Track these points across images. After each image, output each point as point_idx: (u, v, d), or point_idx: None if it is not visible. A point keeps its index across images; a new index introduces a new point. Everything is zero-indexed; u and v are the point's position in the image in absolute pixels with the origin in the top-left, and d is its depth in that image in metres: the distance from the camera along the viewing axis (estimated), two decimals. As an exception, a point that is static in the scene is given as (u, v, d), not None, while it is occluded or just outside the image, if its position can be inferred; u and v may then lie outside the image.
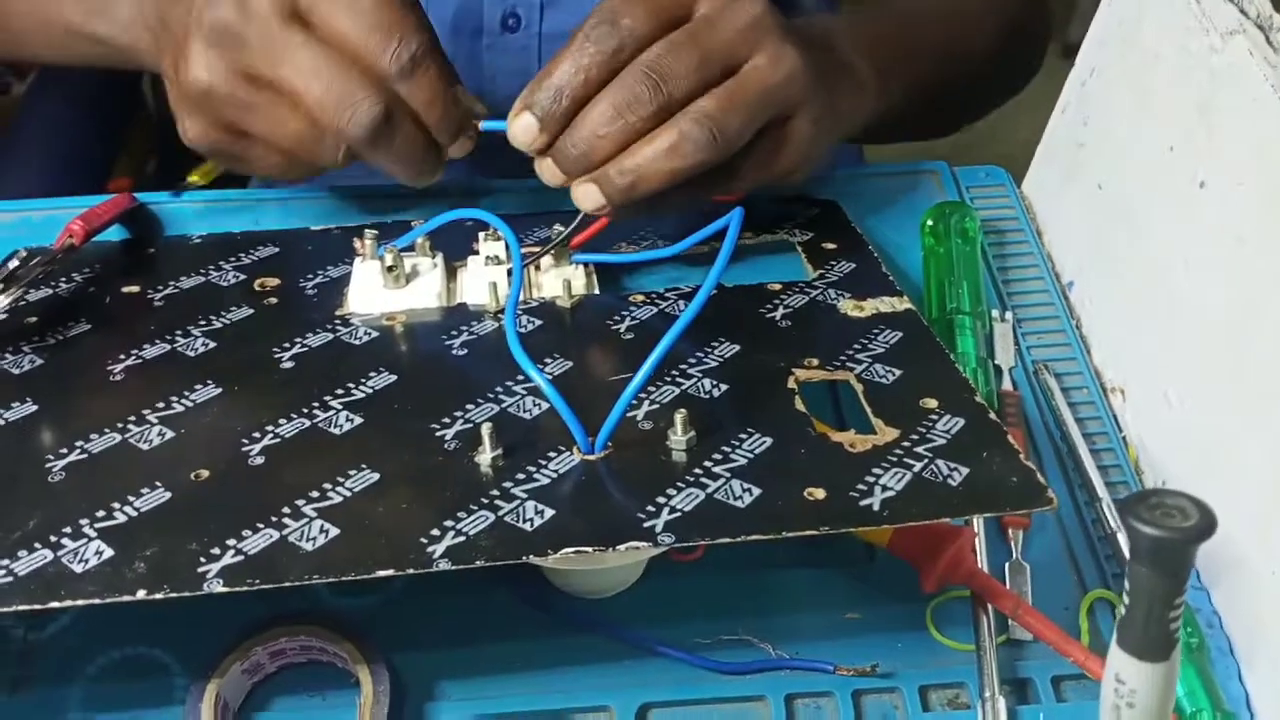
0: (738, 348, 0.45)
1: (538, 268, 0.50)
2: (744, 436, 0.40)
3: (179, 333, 0.46)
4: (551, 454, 0.39)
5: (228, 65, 0.42)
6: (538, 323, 0.47)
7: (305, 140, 0.44)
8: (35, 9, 0.52)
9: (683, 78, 0.43)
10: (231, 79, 0.43)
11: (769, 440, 0.39)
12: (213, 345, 0.46)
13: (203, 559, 0.35)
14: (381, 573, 0.34)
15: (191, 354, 0.45)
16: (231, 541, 0.35)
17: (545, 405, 0.41)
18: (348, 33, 0.43)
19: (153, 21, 0.45)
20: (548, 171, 0.45)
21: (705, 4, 0.44)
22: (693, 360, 0.44)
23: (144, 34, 0.46)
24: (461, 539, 0.35)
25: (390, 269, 0.48)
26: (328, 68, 0.42)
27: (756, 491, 0.37)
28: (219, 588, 0.34)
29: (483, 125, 0.47)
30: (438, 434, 0.40)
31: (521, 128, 0.44)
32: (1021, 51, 0.69)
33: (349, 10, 0.43)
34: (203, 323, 0.47)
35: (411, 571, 0.34)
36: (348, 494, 0.37)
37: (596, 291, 0.50)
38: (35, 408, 0.42)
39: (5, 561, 0.35)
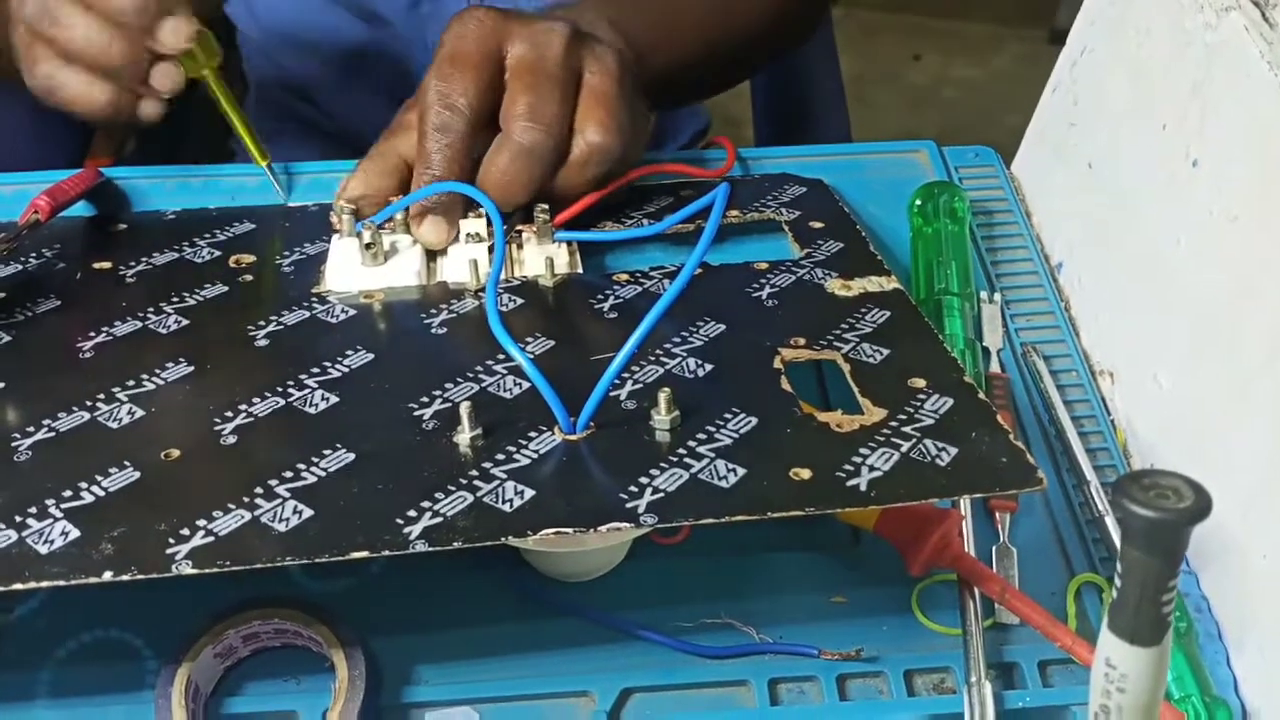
0: (723, 327, 0.44)
1: (520, 245, 0.49)
2: (729, 416, 0.39)
3: (151, 310, 0.45)
4: (532, 434, 0.38)
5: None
6: (520, 301, 0.46)
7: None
8: None
9: (559, 122, 0.47)
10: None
11: (754, 420, 0.39)
12: (186, 323, 0.45)
13: (171, 540, 0.34)
14: (356, 555, 0.33)
15: (164, 331, 0.44)
16: (201, 522, 0.34)
17: (526, 384, 0.40)
18: None
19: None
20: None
21: (518, 46, 0.48)
22: (677, 340, 0.43)
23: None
24: (439, 520, 0.35)
25: (368, 246, 0.47)
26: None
27: (741, 472, 0.36)
28: (188, 569, 0.33)
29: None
30: (415, 413, 0.39)
31: (434, 238, 0.49)
32: (794, 23, 0.71)
33: None
34: (176, 300, 0.46)
35: (387, 553, 0.34)
36: (322, 474, 0.36)
37: (580, 270, 0.49)
38: (1, 385, 0.41)
39: None
